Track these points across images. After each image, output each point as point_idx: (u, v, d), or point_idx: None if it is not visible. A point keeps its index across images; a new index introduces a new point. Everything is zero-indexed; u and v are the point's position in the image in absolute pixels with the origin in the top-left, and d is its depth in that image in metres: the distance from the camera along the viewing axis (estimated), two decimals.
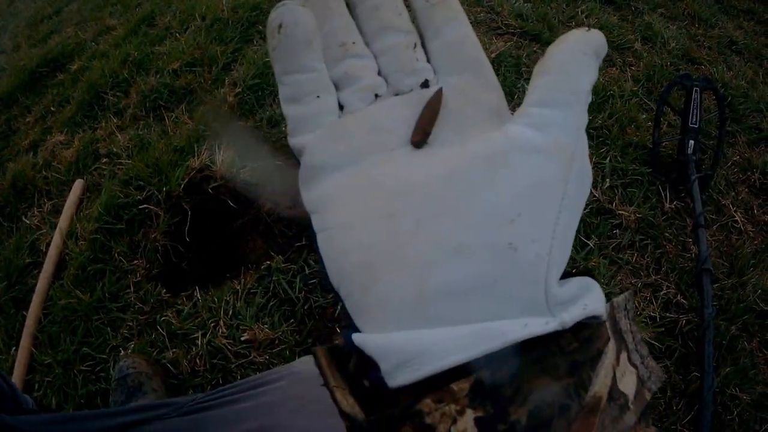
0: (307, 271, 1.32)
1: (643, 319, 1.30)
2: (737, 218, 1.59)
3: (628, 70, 2.05)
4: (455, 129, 0.26)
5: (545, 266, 0.23)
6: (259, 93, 1.80)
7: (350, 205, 0.25)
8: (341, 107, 0.27)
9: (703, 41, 2.33)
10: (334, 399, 0.24)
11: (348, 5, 0.27)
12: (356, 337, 0.24)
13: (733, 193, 1.68)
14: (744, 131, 1.89)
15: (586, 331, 0.23)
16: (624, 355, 0.25)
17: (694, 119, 1.62)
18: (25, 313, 1.35)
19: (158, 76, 1.95)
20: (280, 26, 0.25)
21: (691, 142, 1.60)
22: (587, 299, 0.23)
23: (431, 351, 0.22)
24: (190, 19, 2.22)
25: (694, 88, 1.64)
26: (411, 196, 0.24)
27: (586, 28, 0.26)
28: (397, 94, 0.27)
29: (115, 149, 1.70)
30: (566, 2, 2.33)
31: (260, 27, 2.11)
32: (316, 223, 0.26)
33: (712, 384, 1.16)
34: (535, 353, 0.22)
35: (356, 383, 0.25)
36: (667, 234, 1.50)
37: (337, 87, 0.27)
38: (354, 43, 0.27)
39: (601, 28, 2.10)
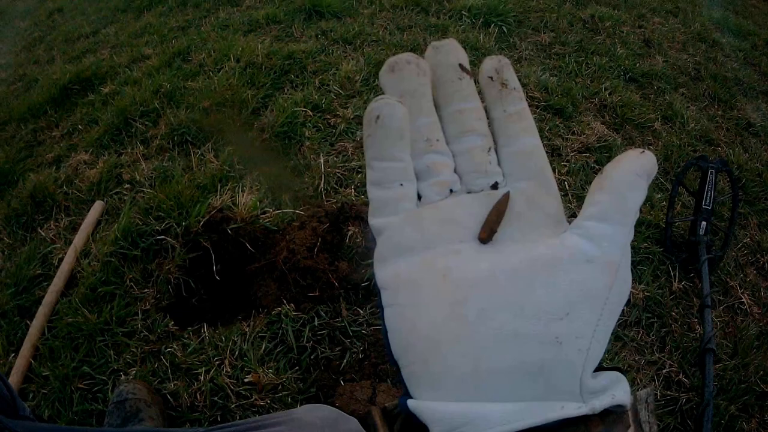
0: (316, 322, 1.32)
1: None
2: (744, 299, 1.60)
3: (646, 149, 2.05)
4: (519, 230, 0.29)
5: (583, 360, 0.26)
6: (286, 141, 1.84)
7: (422, 287, 0.28)
8: (419, 196, 0.30)
9: (721, 122, 2.37)
10: None
11: (435, 105, 0.30)
12: (411, 403, 0.27)
13: (742, 275, 1.69)
14: (756, 213, 1.91)
15: (611, 417, 0.26)
16: None
17: (708, 201, 1.64)
18: (28, 322, 1.36)
19: (188, 111, 2.00)
20: (377, 117, 0.28)
21: (704, 223, 1.62)
22: (615, 390, 0.27)
23: (477, 421, 0.25)
24: (225, 59, 2.28)
25: (710, 170, 1.66)
26: (476, 287, 0.28)
27: (641, 150, 0.30)
28: (469, 192, 0.30)
29: (138, 177, 1.73)
30: (591, 78, 2.37)
31: (292, 76, 2.17)
32: (386, 298, 0.29)
33: None
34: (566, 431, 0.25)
35: None
36: (673, 313, 1.50)
37: (417, 177, 0.30)
38: (438, 140, 0.30)
39: (623, 106, 2.15)
